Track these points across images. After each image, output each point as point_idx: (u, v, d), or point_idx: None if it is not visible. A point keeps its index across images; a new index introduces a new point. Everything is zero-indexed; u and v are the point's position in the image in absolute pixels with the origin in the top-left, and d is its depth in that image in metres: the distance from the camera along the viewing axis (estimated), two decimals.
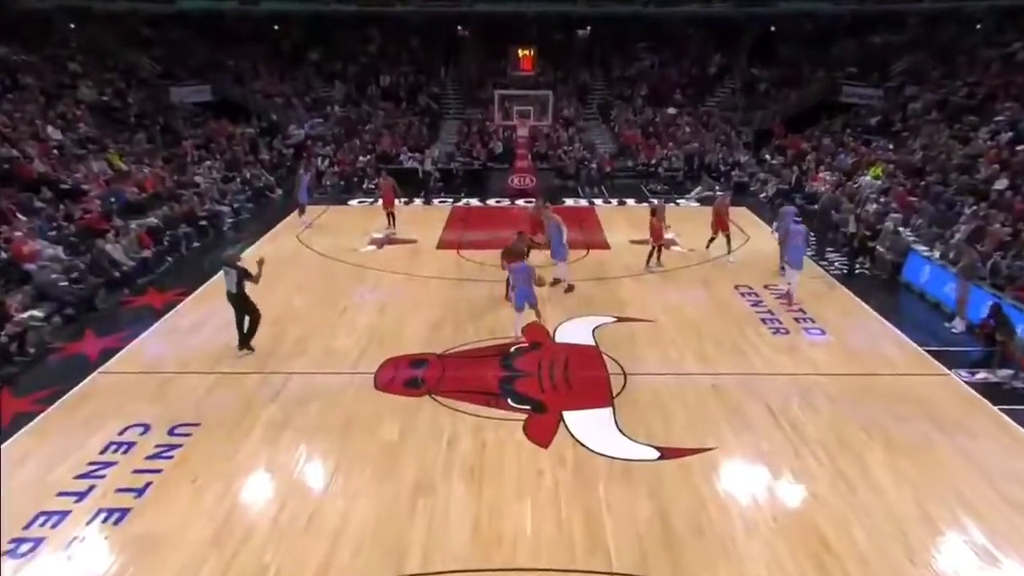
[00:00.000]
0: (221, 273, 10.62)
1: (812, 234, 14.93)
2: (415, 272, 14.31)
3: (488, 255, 15.34)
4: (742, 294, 13.14)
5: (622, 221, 18.91)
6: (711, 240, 15.14)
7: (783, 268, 13.83)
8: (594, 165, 24.89)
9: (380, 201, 18.31)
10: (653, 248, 14.30)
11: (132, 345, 10.79)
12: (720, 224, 14.94)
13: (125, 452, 7.93)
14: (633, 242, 16.57)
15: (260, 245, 16.31)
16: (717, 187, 22.87)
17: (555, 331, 11.20)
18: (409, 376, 9.72)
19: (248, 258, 10.83)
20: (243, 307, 10.37)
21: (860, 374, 9.89)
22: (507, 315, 11.85)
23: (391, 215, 17.65)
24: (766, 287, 13.49)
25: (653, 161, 25.08)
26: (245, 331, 10.44)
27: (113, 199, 16.72)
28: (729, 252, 15.02)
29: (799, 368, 10.10)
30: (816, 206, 18.93)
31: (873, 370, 10.03)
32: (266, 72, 29.81)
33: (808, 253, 13.99)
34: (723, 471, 7.66)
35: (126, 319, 11.96)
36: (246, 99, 28.33)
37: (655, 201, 14.47)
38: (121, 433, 8.29)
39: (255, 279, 10.24)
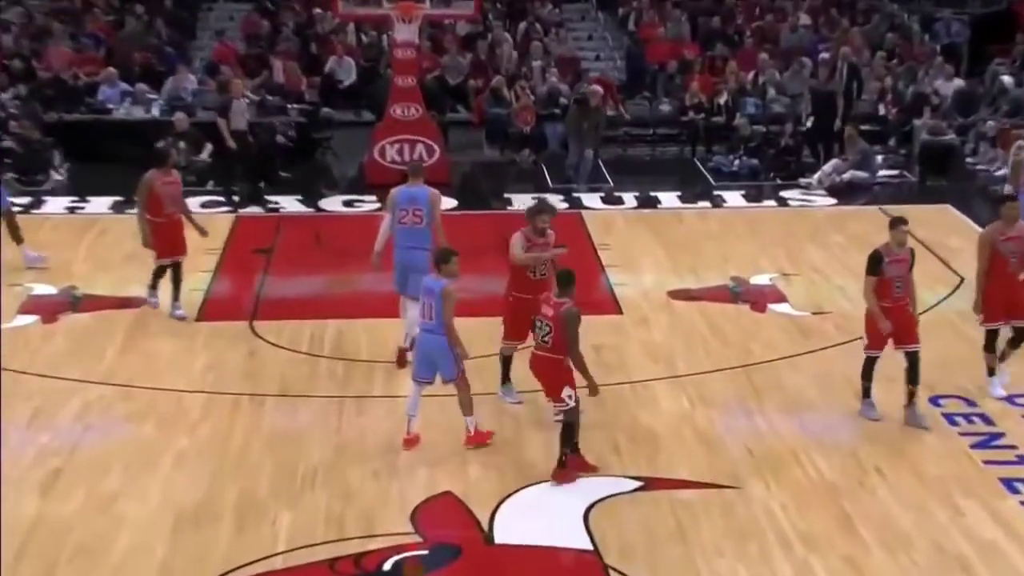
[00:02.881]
0: None
1: None
2: (141, 380, 14.55)
3: (330, 328, 15.60)
4: (949, 417, 13.43)
5: (648, 243, 19.43)
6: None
7: None
8: (574, 102, 24.96)
9: (151, 239, 16.39)
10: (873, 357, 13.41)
11: None
12: None
13: None
14: (675, 295, 16.92)
15: None
16: (880, 159, 23.38)
17: (494, 515, 11.29)
18: None
19: None
20: None
21: None
22: (377, 480, 11.92)
23: (174, 270, 16.49)
24: (1012, 400, 13.71)
25: (720, 101, 25.72)
26: None
27: None
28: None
29: None
30: None
31: None
32: None
33: None
34: None
35: None
36: None
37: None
38: None
39: None
